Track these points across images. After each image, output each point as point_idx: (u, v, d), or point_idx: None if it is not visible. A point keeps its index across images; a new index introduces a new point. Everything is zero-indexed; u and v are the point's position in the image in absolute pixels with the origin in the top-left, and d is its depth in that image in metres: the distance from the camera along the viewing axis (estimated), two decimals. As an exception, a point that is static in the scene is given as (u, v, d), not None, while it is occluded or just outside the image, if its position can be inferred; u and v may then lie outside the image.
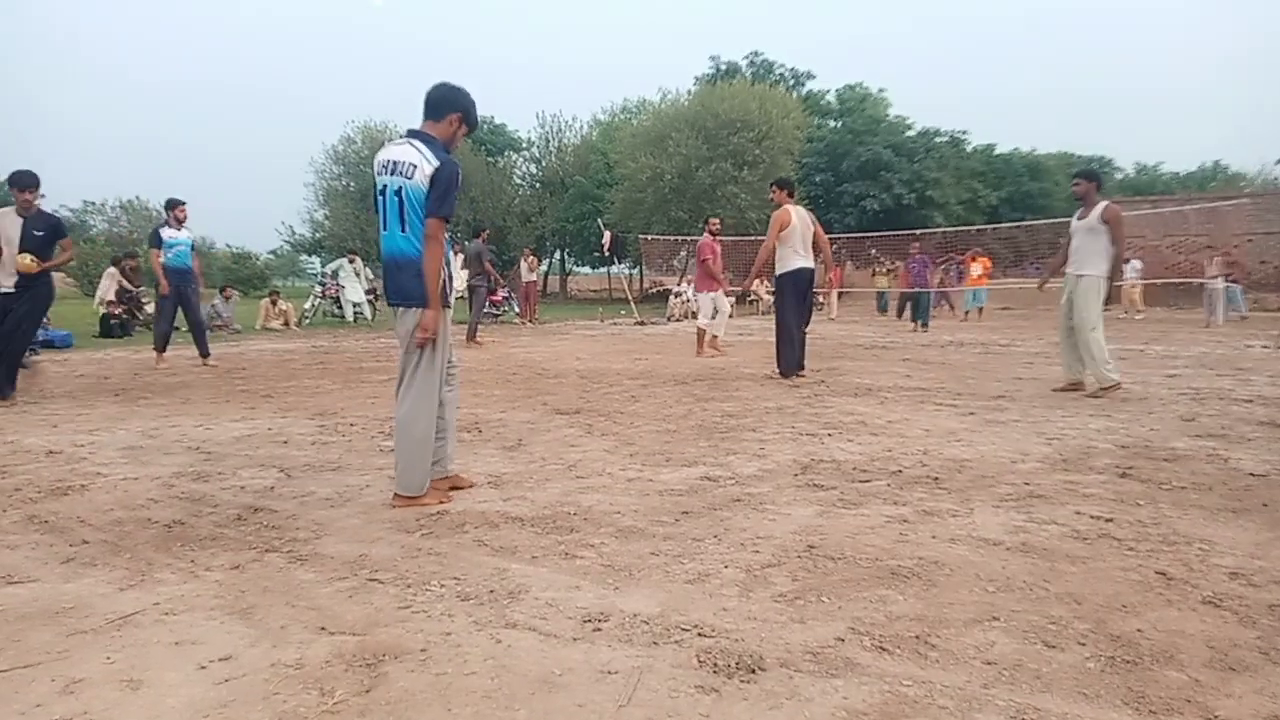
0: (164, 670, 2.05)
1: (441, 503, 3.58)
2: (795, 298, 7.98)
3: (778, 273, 7.97)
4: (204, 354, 9.46)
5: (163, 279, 9.06)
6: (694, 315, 17.96)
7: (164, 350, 9.39)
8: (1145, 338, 13.22)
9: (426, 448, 3.57)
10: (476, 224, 12.35)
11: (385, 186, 3.50)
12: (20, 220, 6.65)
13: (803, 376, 7.86)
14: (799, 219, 7.85)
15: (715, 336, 11.08)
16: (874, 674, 2.02)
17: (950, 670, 2.04)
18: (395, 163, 3.48)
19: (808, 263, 7.88)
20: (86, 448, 4.77)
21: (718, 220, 11.55)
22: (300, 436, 5.13)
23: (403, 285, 3.52)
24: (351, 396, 6.93)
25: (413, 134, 3.57)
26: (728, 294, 11.35)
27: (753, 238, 27.03)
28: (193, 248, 9.52)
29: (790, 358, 7.91)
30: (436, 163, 3.43)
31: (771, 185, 8.23)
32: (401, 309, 3.56)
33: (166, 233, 9.17)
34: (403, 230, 3.48)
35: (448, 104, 3.57)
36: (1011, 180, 44.99)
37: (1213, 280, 17.88)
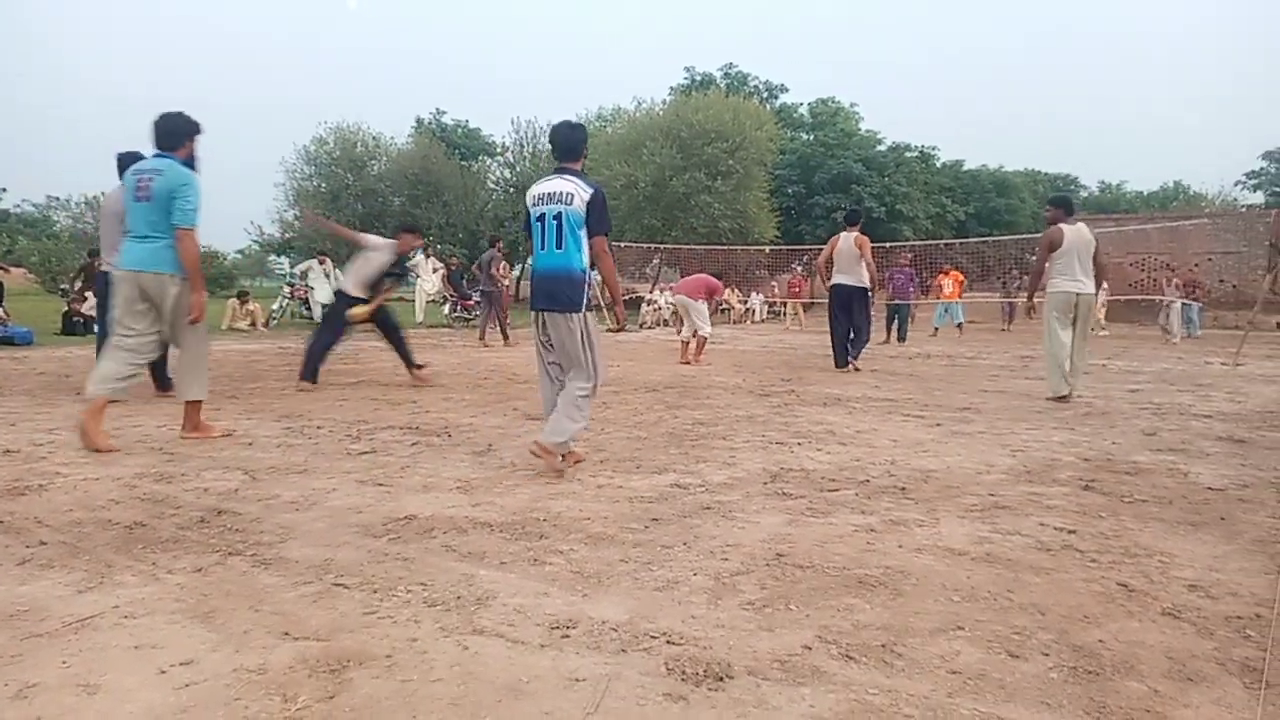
0: (122, 674, 2.01)
1: (577, 462, 4.37)
2: (835, 307, 10.09)
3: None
4: None
5: None
6: (666, 323, 18.03)
7: None
8: (1108, 353, 13.46)
9: (581, 418, 4.27)
10: (492, 234, 13.19)
11: (544, 214, 4.19)
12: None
13: (849, 369, 9.90)
14: (845, 244, 9.86)
15: (686, 344, 11.14)
16: (840, 682, 2.03)
17: (915, 679, 2.06)
18: (553, 194, 4.17)
19: (842, 280, 9.93)
20: (45, 447, 4.67)
21: None
22: (265, 439, 5.06)
23: (558, 293, 4.18)
24: (319, 399, 6.84)
25: (561, 170, 4.28)
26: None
27: (724, 246, 27.23)
28: None
29: (837, 355, 10.14)
30: (591, 190, 4.16)
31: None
32: (557, 313, 4.20)
33: None
34: (559, 248, 4.16)
35: (580, 144, 4.39)
36: (979, 196, 45.58)
37: (1170, 299, 18.28)
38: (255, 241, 44.42)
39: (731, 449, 4.96)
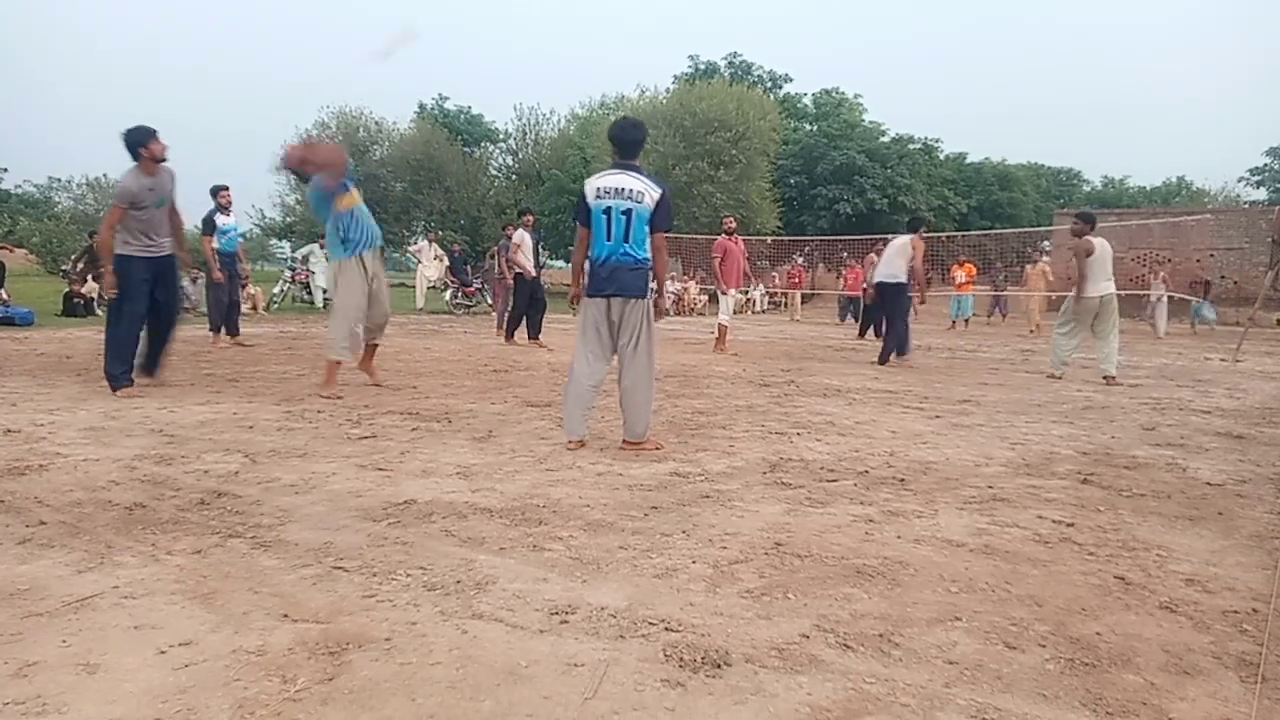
0: (122, 654, 2.02)
1: (657, 448, 4.55)
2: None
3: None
4: (234, 333, 9.84)
5: (215, 265, 9.31)
6: (667, 313, 17.81)
7: (220, 332, 9.73)
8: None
9: (651, 402, 4.65)
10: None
11: (610, 207, 4.48)
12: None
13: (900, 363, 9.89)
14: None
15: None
16: (838, 671, 2.04)
17: (913, 668, 2.06)
18: (622, 189, 4.48)
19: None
20: (46, 427, 4.67)
21: (732, 219, 11.75)
22: (266, 422, 5.06)
23: (625, 282, 4.51)
24: (319, 383, 6.84)
25: (625, 167, 4.57)
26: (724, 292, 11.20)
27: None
28: (240, 233, 10.22)
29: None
30: (660, 190, 4.52)
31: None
32: (621, 299, 4.52)
33: (220, 219, 9.52)
34: (627, 241, 4.49)
35: (641, 142, 4.68)
36: (981, 189, 45.44)
37: (1157, 294, 18.29)
38: (256, 225, 44.27)
39: (731, 438, 4.97)
